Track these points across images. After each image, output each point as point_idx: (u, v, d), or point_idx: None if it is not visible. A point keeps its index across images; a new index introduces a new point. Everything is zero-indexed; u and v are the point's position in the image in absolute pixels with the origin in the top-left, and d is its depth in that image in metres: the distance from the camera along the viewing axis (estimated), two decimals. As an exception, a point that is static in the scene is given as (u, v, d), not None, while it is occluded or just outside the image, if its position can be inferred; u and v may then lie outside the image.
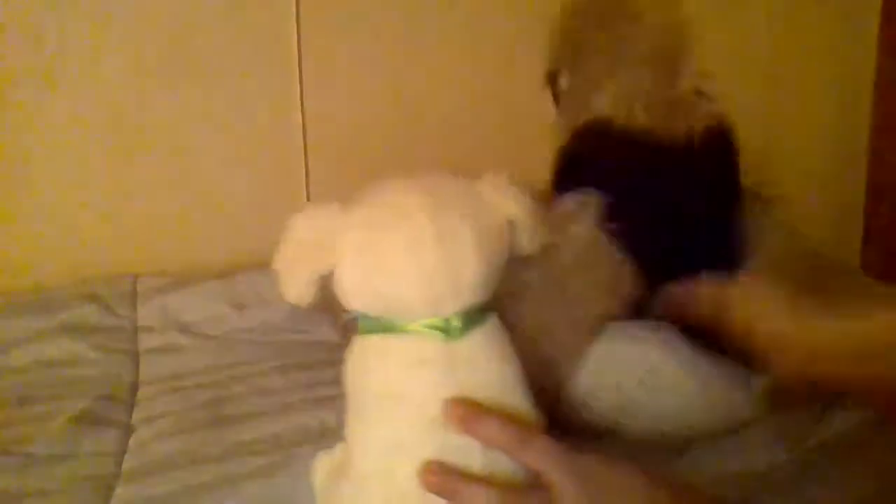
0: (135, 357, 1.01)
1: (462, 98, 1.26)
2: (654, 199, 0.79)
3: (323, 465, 0.70)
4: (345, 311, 0.65)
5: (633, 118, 0.80)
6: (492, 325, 0.65)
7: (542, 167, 0.88)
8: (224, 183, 1.21)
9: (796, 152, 1.44)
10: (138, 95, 1.16)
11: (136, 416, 0.89)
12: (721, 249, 0.81)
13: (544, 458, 0.59)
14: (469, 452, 0.61)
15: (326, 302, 0.65)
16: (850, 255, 1.44)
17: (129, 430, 0.87)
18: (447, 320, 0.63)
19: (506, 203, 0.65)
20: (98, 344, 1.02)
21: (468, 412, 0.61)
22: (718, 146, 0.83)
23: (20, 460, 0.81)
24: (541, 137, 0.92)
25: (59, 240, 1.18)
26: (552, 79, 0.87)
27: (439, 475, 0.59)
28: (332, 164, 1.23)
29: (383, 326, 0.64)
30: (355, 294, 0.64)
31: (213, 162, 1.21)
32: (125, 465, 0.81)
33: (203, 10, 1.16)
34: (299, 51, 1.19)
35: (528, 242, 0.67)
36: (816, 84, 1.41)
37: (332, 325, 1.03)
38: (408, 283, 0.62)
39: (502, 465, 0.61)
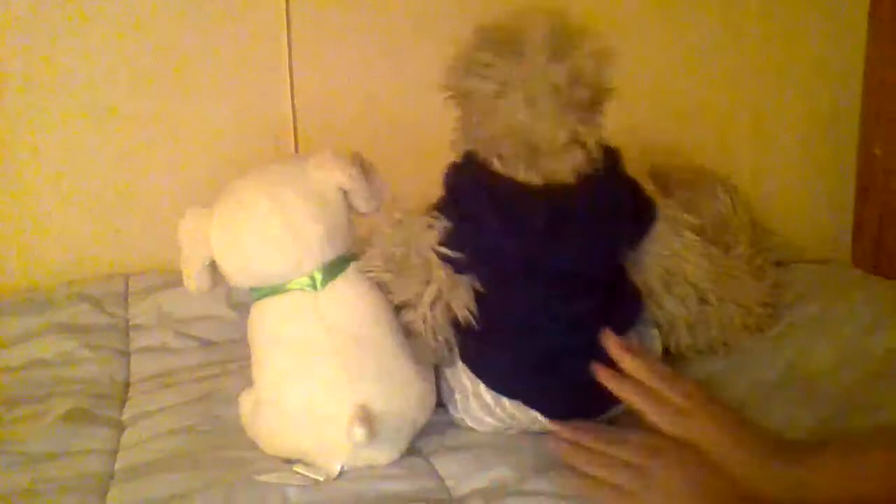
0: (126, 355, 1.02)
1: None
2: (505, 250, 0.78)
3: (246, 400, 0.82)
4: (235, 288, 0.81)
5: (490, 164, 0.78)
6: (351, 272, 0.79)
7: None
8: (219, 182, 1.20)
9: (786, 147, 1.44)
10: (130, 93, 1.16)
11: (128, 413, 0.90)
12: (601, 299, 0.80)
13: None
14: (337, 384, 0.74)
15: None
16: (840, 249, 1.44)
17: (120, 427, 0.87)
18: (312, 276, 0.76)
19: (332, 173, 0.78)
20: (90, 343, 1.02)
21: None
22: (600, 199, 0.79)
23: (13, 459, 0.81)
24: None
25: (50, 239, 1.18)
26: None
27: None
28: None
29: (266, 292, 0.78)
30: (234, 275, 0.78)
31: (208, 161, 1.20)
32: (118, 464, 0.81)
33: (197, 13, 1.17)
34: (290, 53, 1.20)
35: (362, 203, 0.80)
36: (807, 79, 1.41)
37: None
38: (267, 256, 0.76)
39: (371, 395, 0.75)
